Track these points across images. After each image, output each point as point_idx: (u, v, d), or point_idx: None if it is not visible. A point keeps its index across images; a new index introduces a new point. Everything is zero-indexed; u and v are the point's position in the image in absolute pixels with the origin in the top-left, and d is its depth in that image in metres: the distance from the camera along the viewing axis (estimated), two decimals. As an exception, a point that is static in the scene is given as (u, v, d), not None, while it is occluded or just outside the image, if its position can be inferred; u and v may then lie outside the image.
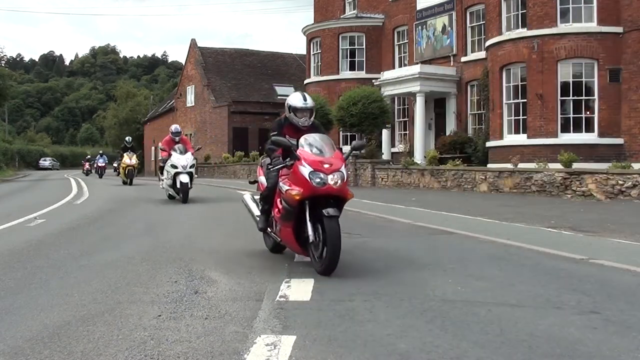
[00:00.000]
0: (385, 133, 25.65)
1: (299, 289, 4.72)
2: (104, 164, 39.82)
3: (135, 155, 24.93)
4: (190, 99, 43.84)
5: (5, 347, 3.44)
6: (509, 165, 16.77)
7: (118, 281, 5.20)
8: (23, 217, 10.85)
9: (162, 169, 14.82)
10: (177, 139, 14.75)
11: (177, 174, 13.89)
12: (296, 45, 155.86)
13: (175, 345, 3.41)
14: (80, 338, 3.57)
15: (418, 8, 26.35)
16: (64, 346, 3.42)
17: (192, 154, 14.51)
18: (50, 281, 5.30)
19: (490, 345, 3.37)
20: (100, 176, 37.87)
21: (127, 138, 26.26)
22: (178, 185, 13.84)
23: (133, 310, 4.17)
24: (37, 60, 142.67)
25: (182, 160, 13.97)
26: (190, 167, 14.05)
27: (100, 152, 44.15)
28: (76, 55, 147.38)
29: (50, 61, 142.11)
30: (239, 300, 4.44)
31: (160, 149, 15.03)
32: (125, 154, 24.58)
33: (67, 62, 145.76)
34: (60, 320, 3.98)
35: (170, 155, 14.20)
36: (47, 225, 9.72)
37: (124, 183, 24.57)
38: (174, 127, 15.39)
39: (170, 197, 14.73)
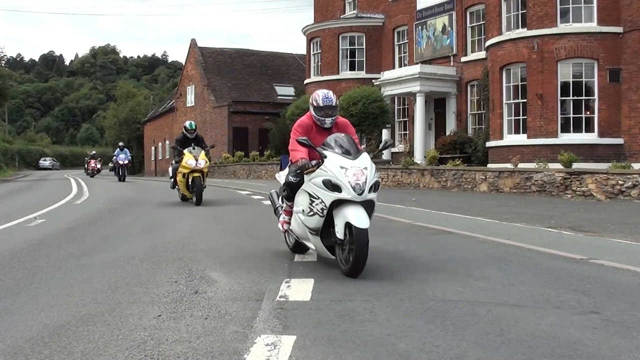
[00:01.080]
0: (385, 133, 25.67)
1: (299, 289, 4.72)
2: (126, 162, 30.05)
3: (204, 152, 14.18)
4: (190, 99, 43.85)
5: (5, 347, 3.44)
6: (509, 165, 16.77)
7: (118, 281, 5.20)
8: (23, 217, 10.85)
9: (290, 188, 6.12)
10: (328, 122, 6.13)
11: (340, 203, 5.39)
12: (297, 45, 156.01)
13: (175, 345, 3.41)
14: (80, 338, 3.57)
15: (418, 8, 26.36)
16: (64, 346, 3.42)
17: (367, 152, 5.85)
18: (50, 281, 5.30)
19: (490, 345, 3.37)
20: (122, 178, 29.26)
21: (187, 123, 14.96)
22: (340, 234, 5.34)
23: (133, 310, 4.17)
24: (37, 60, 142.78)
25: (353, 170, 5.41)
26: (372, 186, 5.46)
27: (121, 144, 32.73)
28: (76, 55, 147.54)
29: (50, 61, 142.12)
30: (239, 300, 4.43)
31: (299, 142, 5.82)
32: (185, 151, 13.92)
33: (67, 62, 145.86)
34: (60, 320, 3.98)
35: (320, 159, 5.62)
36: (47, 225, 9.72)
37: (185, 199, 14.57)
38: (323, 95, 6.19)
39: (298, 248, 6.48)
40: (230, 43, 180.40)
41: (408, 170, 19.92)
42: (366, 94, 21.84)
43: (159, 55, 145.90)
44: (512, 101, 19.46)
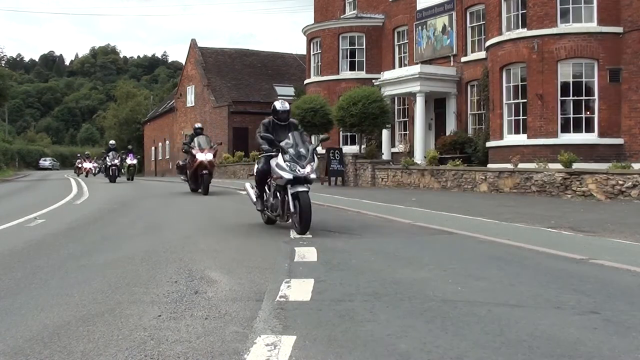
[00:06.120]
0: (385, 133, 25.66)
1: (299, 289, 4.72)
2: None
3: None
4: (190, 99, 43.87)
5: (5, 347, 3.44)
6: (509, 166, 16.77)
7: (118, 281, 5.20)
8: (23, 217, 10.84)
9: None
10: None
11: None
12: (299, 46, 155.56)
13: (175, 345, 3.41)
14: (80, 338, 3.57)
15: (418, 8, 26.36)
16: (64, 346, 3.42)
17: None
18: (50, 281, 5.30)
19: (490, 345, 3.37)
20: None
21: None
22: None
23: (133, 310, 4.17)
24: (37, 60, 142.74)
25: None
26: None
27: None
28: (76, 55, 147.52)
29: (50, 61, 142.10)
30: (239, 300, 4.43)
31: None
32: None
33: (67, 62, 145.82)
34: (60, 320, 3.98)
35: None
36: (47, 225, 9.71)
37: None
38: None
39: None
40: (233, 43, 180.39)
41: (408, 171, 19.91)
42: (366, 94, 21.83)
43: (159, 55, 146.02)
44: (512, 101, 19.46)
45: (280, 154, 7.98)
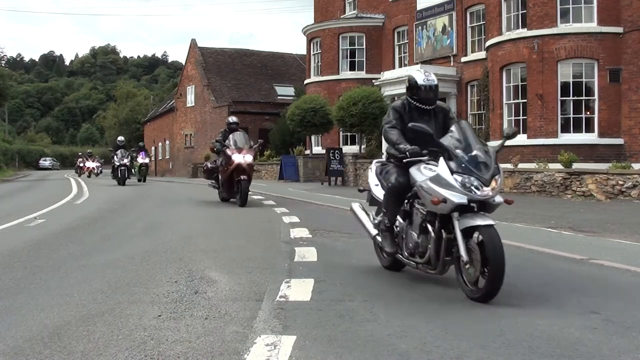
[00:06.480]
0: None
1: (299, 289, 4.72)
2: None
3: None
4: (190, 99, 43.86)
5: (5, 347, 3.44)
6: (509, 166, 16.77)
7: (118, 281, 5.20)
8: (23, 217, 10.83)
9: None
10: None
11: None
12: (300, 46, 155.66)
13: (175, 345, 3.41)
14: (80, 338, 3.56)
15: (418, 8, 26.36)
16: (64, 346, 3.42)
17: None
18: (50, 281, 5.30)
19: (490, 345, 3.37)
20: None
21: None
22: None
23: (133, 310, 4.17)
24: (37, 60, 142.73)
25: None
26: None
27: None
28: (76, 55, 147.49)
29: (50, 61, 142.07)
30: (239, 300, 4.43)
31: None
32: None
33: (67, 62, 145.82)
34: (60, 320, 3.98)
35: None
36: (47, 225, 9.71)
37: None
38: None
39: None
40: (233, 43, 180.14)
41: (408, 171, 19.91)
42: (366, 94, 21.85)
43: (159, 55, 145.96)
44: (512, 101, 19.46)
45: (442, 160, 4.59)
